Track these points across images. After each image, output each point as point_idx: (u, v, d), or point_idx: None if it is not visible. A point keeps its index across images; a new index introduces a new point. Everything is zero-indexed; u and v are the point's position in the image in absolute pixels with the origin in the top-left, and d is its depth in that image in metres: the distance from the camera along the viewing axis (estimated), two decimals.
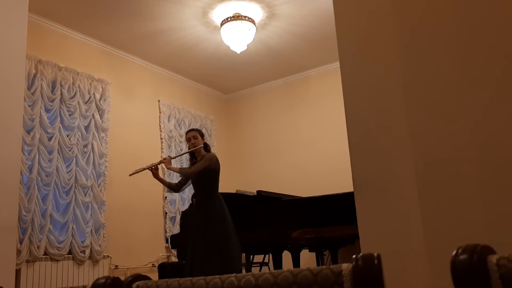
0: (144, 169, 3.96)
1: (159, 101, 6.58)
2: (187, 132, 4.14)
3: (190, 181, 4.03)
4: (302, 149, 6.91)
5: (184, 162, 6.28)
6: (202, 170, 3.86)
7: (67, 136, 5.18)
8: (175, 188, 4.13)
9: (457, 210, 1.87)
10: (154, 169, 3.97)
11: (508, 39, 1.88)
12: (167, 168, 3.99)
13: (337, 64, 2.79)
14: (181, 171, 3.99)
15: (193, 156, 4.05)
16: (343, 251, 4.53)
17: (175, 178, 5.30)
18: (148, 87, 6.50)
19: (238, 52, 5.57)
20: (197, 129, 4.15)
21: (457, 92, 1.95)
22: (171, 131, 6.60)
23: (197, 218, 3.84)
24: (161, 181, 4.16)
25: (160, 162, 4.03)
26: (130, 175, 4.00)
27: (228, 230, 3.74)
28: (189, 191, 6.13)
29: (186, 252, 3.87)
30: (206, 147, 4.03)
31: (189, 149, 4.04)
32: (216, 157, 3.99)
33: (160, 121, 6.52)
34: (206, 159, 3.91)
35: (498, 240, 1.74)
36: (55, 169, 4.96)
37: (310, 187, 5.86)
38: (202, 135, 4.03)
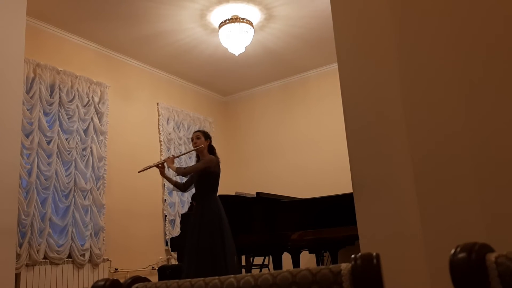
0: (152, 166, 4.05)
1: (157, 103, 6.59)
2: (193, 133, 4.17)
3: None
4: (301, 150, 6.91)
5: (183, 162, 6.28)
6: (200, 171, 3.87)
7: (66, 139, 5.18)
8: (181, 187, 4.15)
9: (456, 211, 1.88)
10: (161, 167, 4.05)
11: (508, 40, 1.88)
12: (169, 167, 4.02)
13: (335, 66, 2.79)
14: (177, 170, 3.99)
15: (198, 157, 4.07)
16: (343, 252, 4.53)
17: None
18: (147, 90, 6.50)
19: (236, 54, 5.57)
20: (202, 130, 4.17)
21: (456, 94, 1.96)
22: (170, 134, 6.60)
23: (194, 220, 3.86)
24: (168, 179, 4.17)
25: (164, 161, 4.08)
26: (139, 172, 4.06)
27: (224, 233, 3.74)
28: (188, 193, 6.14)
29: (183, 254, 3.87)
30: (211, 150, 4.04)
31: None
32: (217, 161, 4.00)
33: (159, 124, 6.52)
34: (206, 161, 3.93)
35: (497, 240, 1.74)
36: (54, 172, 4.95)
37: (310, 188, 5.87)
38: (206, 137, 4.04)
